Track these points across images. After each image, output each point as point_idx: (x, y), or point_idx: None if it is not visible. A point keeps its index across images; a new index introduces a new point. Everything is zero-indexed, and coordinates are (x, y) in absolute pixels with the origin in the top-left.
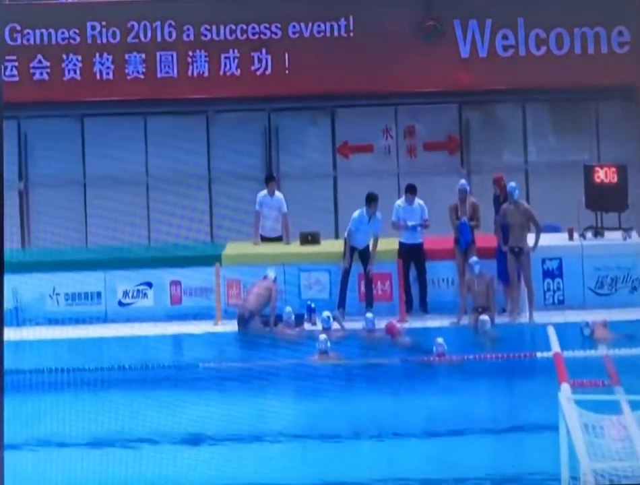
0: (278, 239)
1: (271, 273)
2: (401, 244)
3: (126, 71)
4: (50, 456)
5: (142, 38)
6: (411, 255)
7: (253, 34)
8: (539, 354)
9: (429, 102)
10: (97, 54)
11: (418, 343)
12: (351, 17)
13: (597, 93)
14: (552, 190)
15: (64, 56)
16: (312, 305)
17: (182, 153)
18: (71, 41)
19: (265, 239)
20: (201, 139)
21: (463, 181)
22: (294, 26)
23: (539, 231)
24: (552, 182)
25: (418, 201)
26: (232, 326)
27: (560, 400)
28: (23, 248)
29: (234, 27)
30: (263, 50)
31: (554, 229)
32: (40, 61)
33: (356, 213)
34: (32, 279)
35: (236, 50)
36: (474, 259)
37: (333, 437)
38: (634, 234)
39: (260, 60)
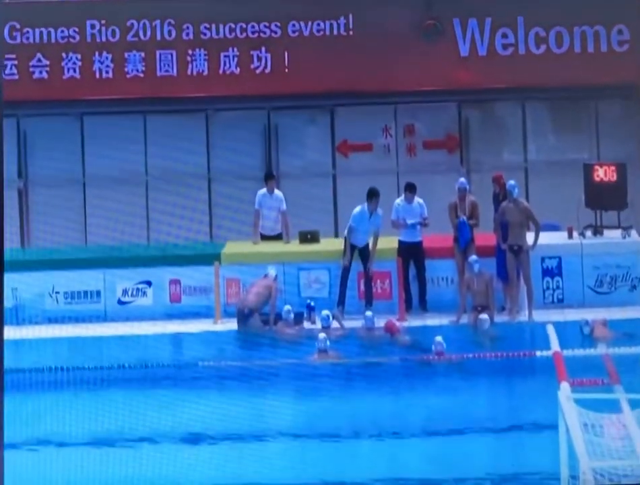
0: (278, 237)
1: (272, 272)
2: (400, 242)
3: (126, 69)
4: (50, 455)
5: (142, 37)
6: (411, 254)
7: (253, 33)
8: (538, 353)
9: (428, 100)
10: (96, 53)
11: (417, 342)
12: (350, 16)
13: (596, 91)
14: (552, 189)
15: (63, 54)
16: (312, 304)
17: (181, 152)
18: (71, 40)
19: (265, 238)
20: (200, 138)
21: (462, 179)
22: (293, 25)
23: (538, 229)
24: (552, 180)
25: (417, 199)
26: (231, 325)
27: (560, 399)
28: (23, 247)
29: (233, 25)
30: (263, 49)
31: (554, 227)
32: (39, 60)
33: (357, 209)
34: (31, 277)
35: (235, 49)
36: (473, 257)
37: (332, 436)
38: (633, 232)
39: (259, 59)
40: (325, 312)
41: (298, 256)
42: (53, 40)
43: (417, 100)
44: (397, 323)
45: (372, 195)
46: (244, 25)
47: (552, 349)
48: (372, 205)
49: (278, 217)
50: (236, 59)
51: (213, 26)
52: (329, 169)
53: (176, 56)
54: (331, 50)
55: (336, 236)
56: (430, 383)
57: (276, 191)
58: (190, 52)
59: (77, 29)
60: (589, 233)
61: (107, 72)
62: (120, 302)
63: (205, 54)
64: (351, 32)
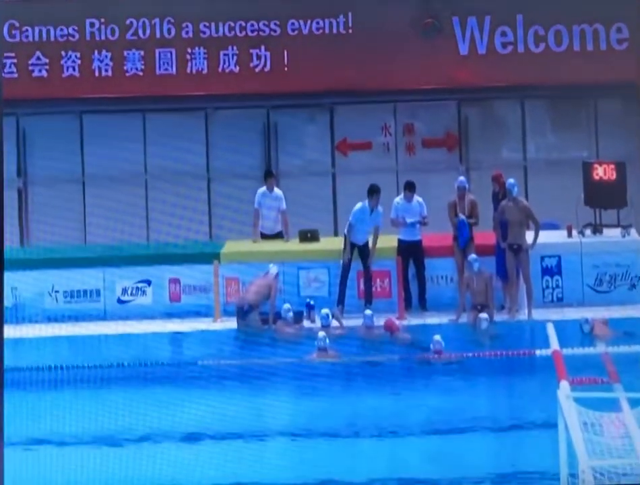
0: (278, 236)
1: (274, 269)
2: (400, 241)
3: (125, 68)
4: (48, 454)
5: (141, 35)
6: (410, 252)
7: (252, 31)
8: (538, 352)
9: (428, 99)
10: (96, 51)
11: (417, 341)
12: (350, 14)
13: (596, 90)
14: (551, 187)
15: (62, 53)
16: (312, 302)
17: (180, 150)
18: (70, 38)
19: (264, 236)
20: (199, 136)
21: (461, 178)
22: (292, 23)
23: (538, 228)
24: (551, 179)
25: (416, 198)
26: (230, 324)
27: (559, 397)
28: (22, 245)
29: (232, 24)
30: (262, 47)
31: (553, 226)
32: (38, 58)
33: (357, 206)
34: (31, 276)
35: (234, 47)
36: (473, 256)
37: (331, 435)
38: (633, 231)
39: (259, 58)
40: (325, 310)
41: (297, 255)
42: (52, 39)
43: (416, 99)
44: (397, 322)
45: (373, 191)
46: (243, 24)
47: (551, 348)
48: (372, 202)
49: (278, 216)
50: (235, 58)
51: (213, 25)
52: (329, 168)
53: (175, 55)
54: (330, 49)
55: (336, 234)
56: (429, 382)
57: (276, 189)
58: (189, 50)
59: (76, 28)
60: (588, 232)
61: (106, 70)
62: (119, 301)
63: (204, 53)
64: (350, 31)
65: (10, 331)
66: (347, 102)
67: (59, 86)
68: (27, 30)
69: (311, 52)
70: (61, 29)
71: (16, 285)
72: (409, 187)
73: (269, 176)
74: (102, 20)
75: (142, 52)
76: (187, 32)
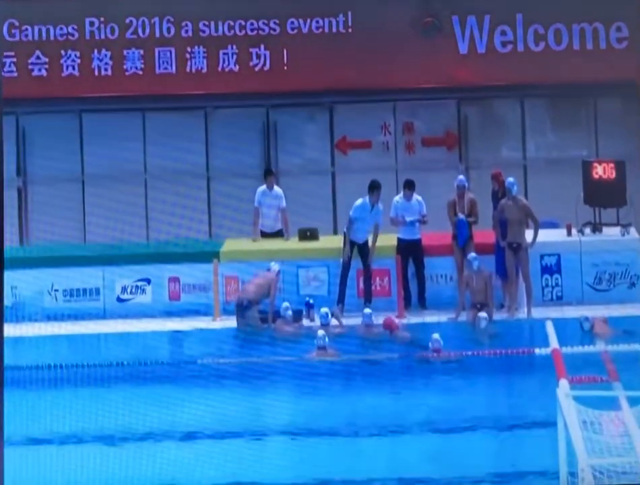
0: (278, 234)
1: (275, 267)
2: (399, 240)
3: (125, 67)
4: (48, 452)
5: (140, 34)
6: (410, 251)
7: (252, 30)
8: (537, 350)
9: (427, 97)
10: (95, 50)
11: (416, 339)
12: (349, 13)
13: (595, 89)
14: (551, 186)
15: (62, 52)
16: (311, 301)
17: (180, 149)
18: (69, 37)
19: (265, 235)
20: (199, 135)
21: (461, 177)
22: (292, 22)
23: (537, 227)
24: (551, 177)
25: (416, 196)
26: (230, 322)
27: (559, 396)
28: (22, 244)
29: (232, 23)
30: (262, 46)
31: (553, 225)
32: (38, 57)
33: (358, 202)
34: (30, 275)
35: (234, 46)
36: (473, 254)
37: (330, 434)
38: (632, 229)
39: (258, 56)
40: (324, 309)
41: (297, 253)
42: (52, 38)
43: (416, 98)
44: (396, 320)
45: (374, 187)
46: (243, 23)
47: (550, 346)
48: (373, 198)
49: (278, 214)
50: (235, 57)
51: (212, 23)
52: (328, 166)
53: (175, 54)
54: (330, 48)
55: (335, 233)
56: (428, 381)
57: (275, 188)
58: (189, 49)
59: (75, 27)
60: (588, 230)
61: (106, 69)
62: (119, 300)
63: (204, 52)
64: (350, 30)
65: (10, 330)
66: (346, 100)
67: (59, 85)
68: (26, 29)
69: (311, 51)
70: (61, 29)
71: (16, 284)
72: (409, 186)
73: (268, 174)
74: (102, 19)
75: (142, 51)
76: (187, 31)
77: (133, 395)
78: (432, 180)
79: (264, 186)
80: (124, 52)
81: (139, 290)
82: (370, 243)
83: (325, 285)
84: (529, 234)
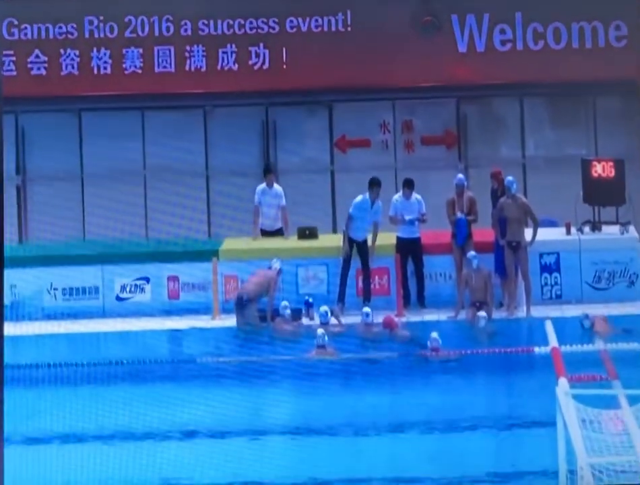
0: (278, 232)
1: (276, 265)
2: (398, 238)
3: (124, 65)
4: (47, 451)
5: (140, 33)
6: (409, 250)
7: (251, 29)
8: (536, 349)
9: (427, 96)
10: (94, 49)
11: (415, 338)
12: (348, 12)
13: (594, 87)
14: (550, 185)
15: (61, 50)
16: (310, 300)
17: (179, 148)
18: (69, 36)
19: (265, 233)
20: (198, 134)
21: (460, 176)
22: (291, 21)
23: (536, 225)
24: (550, 176)
25: (415, 195)
26: (229, 321)
27: (558, 395)
28: (21, 242)
29: (231, 21)
30: (261, 45)
31: (552, 223)
32: (37, 56)
33: (358, 198)
34: (29, 274)
35: (233, 45)
36: (472, 253)
37: (329, 433)
38: (631, 228)
39: (257, 55)
40: (324, 308)
41: (296, 252)
42: (51, 36)
43: (415, 96)
44: (396, 319)
45: (374, 184)
46: (242, 22)
47: (550, 344)
48: (373, 194)
49: (278, 212)
50: (234, 55)
51: (211, 22)
52: (327, 165)
53: (174, 53)
54: (329, 46)
55: (334, 232)
56: (427, 380)
57: (275, 186)
58: (188, 48)
59: (75, 26)
60: (587, 229)
61: (105, 68)
62: (118, 299)
63: (203, 50)
64: (349, 28)
65: (9, 329)
66: (346, 99)
67: (58, 84)
68: (26, 28)
69: (310, 50)
70: (60, 27)
71: (15, 282)
72: (408, 185)
73: (268, 172)
74: (101, 18)
75: (141, 50)
76: (186, 30)
77: (132, 394)
78: (431, 178)
79: (264, 185)
80: (124, 50)
81: (138, 289)
82: (369, 242)
83: (324, 284)
84: (528, 233)
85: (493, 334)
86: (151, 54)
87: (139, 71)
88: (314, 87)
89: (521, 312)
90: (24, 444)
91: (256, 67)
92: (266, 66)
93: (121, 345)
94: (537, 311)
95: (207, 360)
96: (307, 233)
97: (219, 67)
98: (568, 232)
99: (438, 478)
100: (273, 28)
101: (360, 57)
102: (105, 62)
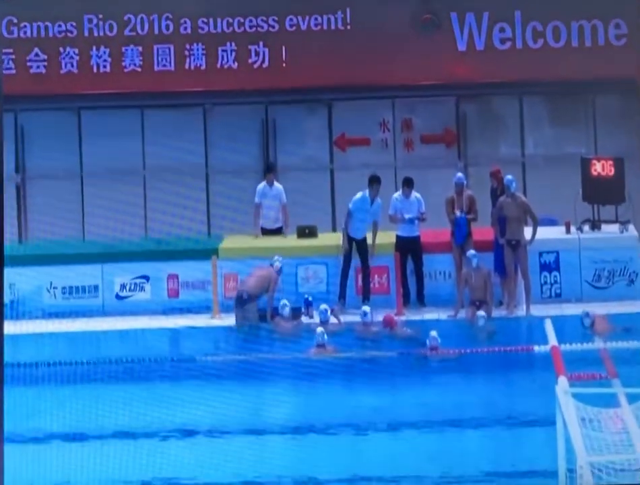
0: (279, 230)
1: (277, 263)
2: (398, 237)
3: (124, 64)
4: (47, 450)
5: (139, 31)
6: (409, 248)
7: (250, 27)
8: (536, 347)
9: (426, 94)
10: (94, 47)
11: (414, 337)
12: (348, 11)
13: (594, 86)
14: (549, 183)
15: (61, 49)
16: (310, 298)
17: (179, 147)
18: (68, 34)
19: (265, 231)
20: (198, 132)
21: (459, 174)
22: (291, 19)
23: (536, 224)
24: (549, 175)
25: (415, 194)
26: (229, 320)
27: (558, 393)
28: (20, 241)
29: (231, 20)
30: (260, 43)
31: (551, 222)
32: (36, 54)
33: (358, 195)
34: (29, 272)
35: (233, 43)
36: (472, 252)
37: (329, 431)
38: (631, 227)
39: (257, 53)
40: (323, 306)
41: (295, 251)
42: (50, 35)
43: (414, 95)
44: (395, 317)
45: (374, 181)
46: (241, 20)
47: (549, 343)
48: (373, 192)
49: (278, 211)
50: (233, 53)
51: (211, 20)
52: (327, 163)
53: (173, 51)
54: (328, 45)
55: (334, 230)
56: (426, 379)
57: (276, 184)
58: (187, 46)
59: (74, 24)
60: (586, 227)
61: (104, 66)
62: (118, 297)
63: (202, 49)
64: (348, 26)
65: (8, 328)
66: (345, 97)
67: (57, 82)
68: (25, 26)
69: (309, 48)
70: (59, 26)
71: (14, 281)
72: (408, 183)
73: (268, 171)
74: (100, 16)
75: (140, 48)
76: (185, 28)
77: (132, 393)
78: (430, 177)
79: (264, 183)
80: (123, 49)
81: (137, 287)
82: (368, 240)
83: (324, 283)
84: (527, 232)
85: (493, 333)
86: (151, 53)
87: (139, 70)
88: (313, 85)
89: (521, 311)
90: (24, 442)
91: (255, 66)
92: (266, 64)
93: (121, 344)
94: (537, 310)
95: (207, 359)
96: (307, 232)
97: (218, 66)
98: (568, 231)
99: (438, 477)
100: (273, 27)
101: (359, 55)
102: (104, 60)
